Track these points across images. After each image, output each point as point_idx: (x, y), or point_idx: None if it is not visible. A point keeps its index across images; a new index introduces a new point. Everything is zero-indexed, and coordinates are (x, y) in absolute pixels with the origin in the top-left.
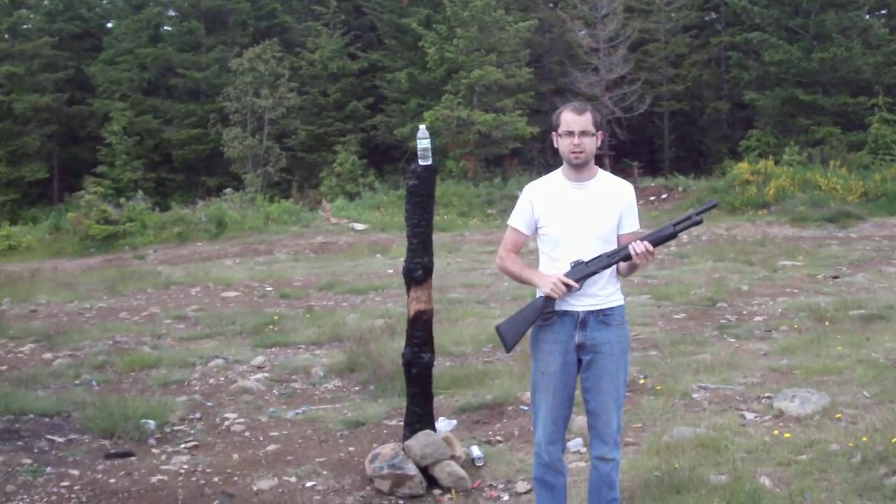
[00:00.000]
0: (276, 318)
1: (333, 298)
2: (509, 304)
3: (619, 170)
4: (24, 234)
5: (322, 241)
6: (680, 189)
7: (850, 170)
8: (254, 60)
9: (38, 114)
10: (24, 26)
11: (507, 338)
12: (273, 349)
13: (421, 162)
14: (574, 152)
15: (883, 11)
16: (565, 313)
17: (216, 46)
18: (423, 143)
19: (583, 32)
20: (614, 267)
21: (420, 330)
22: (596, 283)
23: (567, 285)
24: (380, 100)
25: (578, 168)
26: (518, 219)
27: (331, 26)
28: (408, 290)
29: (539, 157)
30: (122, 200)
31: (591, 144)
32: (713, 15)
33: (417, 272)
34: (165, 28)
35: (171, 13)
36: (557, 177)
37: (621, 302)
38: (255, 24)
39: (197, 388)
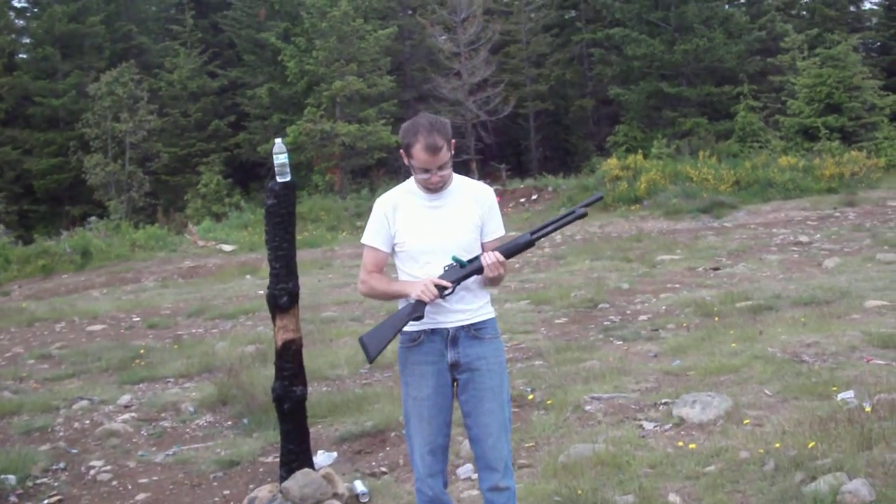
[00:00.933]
0: (142, 351)
1: (203, 325)
2: (384, 318)
3: (487, 173)
4: None
5: (190, 265)
6: (550, 189)
7: (720, 159)
8: (111, 84)
9: None
10: None
11: (371, 347)
12: (141, 385)
13: (279, 179)
14: (431, 188)
15: (739, 2)
16: (433, 331)
17: (73, 72)
18: (281, 157)
19: (443, 37)
20: (481, 278)
21: (290, 361)
22: (463, 297)
23: (440, 287)
24: (242, 117)
25: (444, 181)
26: (374, 236)
27: (188, 45)
28: (273, 318)
29: (405, 166)
30: None
31: (449, 167)
32: (573, 13)
33: (282, 299)
34: (20, 56)
35: (26, 40)
36: (410, 187)
37: (492, 315)
38: (112, 47)
39: (61, 433)
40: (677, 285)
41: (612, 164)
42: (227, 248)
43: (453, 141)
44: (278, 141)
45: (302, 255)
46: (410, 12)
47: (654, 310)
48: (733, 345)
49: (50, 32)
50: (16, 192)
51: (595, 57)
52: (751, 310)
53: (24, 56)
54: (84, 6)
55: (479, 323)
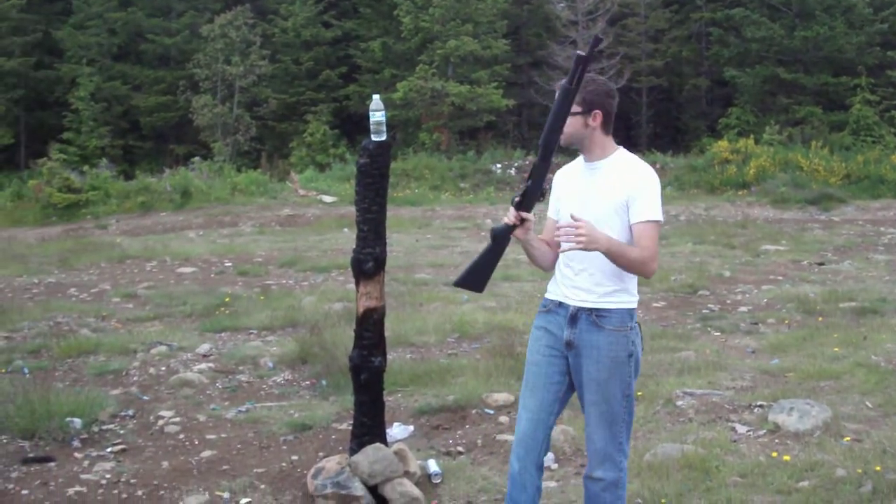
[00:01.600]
0: (227, 299)
1: (293, 276)
2: None
3: None
4: None
5: (289, 213)
6: (658, 166)
7: (832, 151)
8: (225, 27)
9: (4, 78)
10: None
11: (474, 280)
12: (222, 334)
13: (374, 137)
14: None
15: None
16: (560, 304)
17: (187, 12)
18: (377, 115)
19: (561, 5)
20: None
21: (370, 330)
22: (591, 274)
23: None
24: (353, 69)
25: (581, 149)
26: (550, 206)
27: None
28: (357, 283)
29: (514, 130)
30: (86, 168)
31: (574, 125)
32: None
33: (368, 264)
34: None
35: None
36: (579, 159)
37: (622, 304)
38: None
39: (135, 378)
40: (780, 277)
41: (722, 146)
42: (327, 199)
43: (597, 112)
44: (376, 97)
45: (402, 213)
46: None
47: (754, 301)
48: (836, 349)
49: None
50: (122, 128)
51: (713, 36)
52: (855, 311)
53: None
54: None
55: (601, 310)
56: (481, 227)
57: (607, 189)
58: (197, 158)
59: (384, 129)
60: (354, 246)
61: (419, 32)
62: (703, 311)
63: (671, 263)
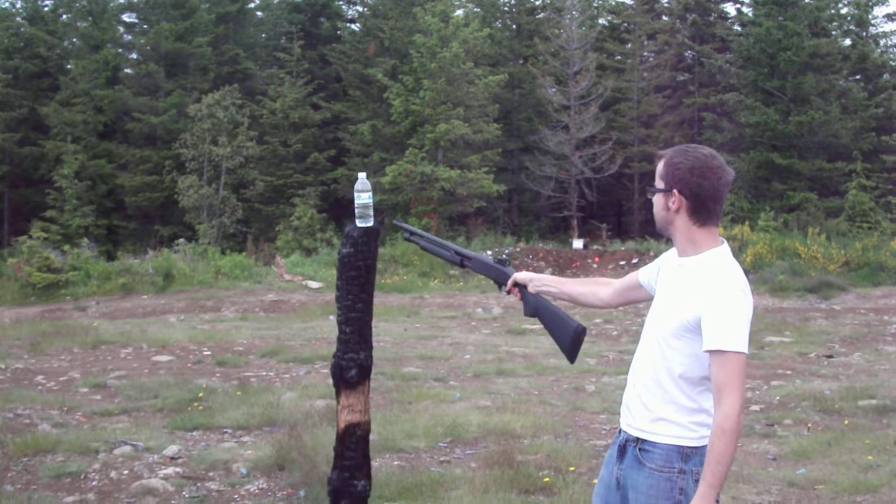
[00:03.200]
0: (200, 394)
1: (274, 368)
2: (470, 382)
3: (587, 231)
4: None
5: (273, 298)
6: (651, 253)
7: (829, 237)
8: (213, 107)
9: None
10: None
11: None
12: (194, 433)
13: (359, 223)
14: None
15: (857, 77)
16: (620, 430)
17: (174, 91)
18: (363, 197)
19: (553, 89)
20: (677, 375)
21: (353, 449)
22: (642, 390)
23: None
24: (342, 152)
25: (671, 237)
26: (647, 269)
27: (294, 74)
28: (337, 394)
29: (504, 216)
30: (66, 248)
31: (656, 205)
32: (687, 75)
33: (350, 372)
34: (124, 70)
35: (131, 55)
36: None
37: (672, 440)
38: (217, 70)
39: (94, 483)
40: (789, 372)
41: (718, 233)
42: (313, 284)
43: (677, 192)
44: (362, 176)
45: (390, 300)
46: (522, 61)
47: (766, 399)
48: (869, 457)
49: (156, 49)
50: (107, 207)
51: (706, 121)
52: (876, 410)
53: (129, 71)
54: (192, 26)
55: (646, 442)
56: (471, 317)
57: (679, 301)
58: (181, 240)
59: (371, 212)
60: (334, 351)
61: (409, 116)
62: None
63: None
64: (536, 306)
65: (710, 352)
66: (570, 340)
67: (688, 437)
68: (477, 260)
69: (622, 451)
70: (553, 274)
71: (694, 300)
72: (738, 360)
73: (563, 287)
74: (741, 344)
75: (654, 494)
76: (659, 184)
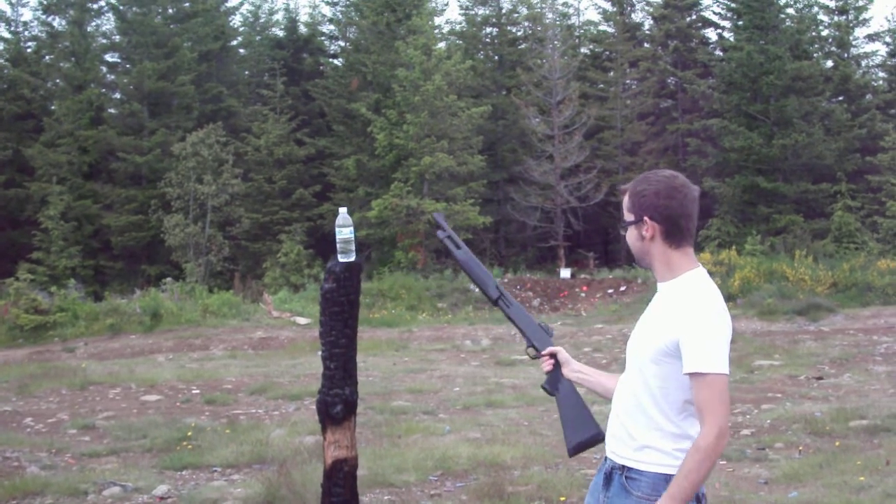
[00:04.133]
0: (189, 433)
1: (264, 405)
2: (459, 414)
3: (574, 261)
4: None
5: (262, 335)
6: (639, 280)
7: (816, 259)
8: (197, 145)
9: None
10: None
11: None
12: (183, 472)
13: (341, 258)
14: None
15: (840, 98)
16: (605, 459)
17: (158, 130)
18: (345, 232)
19: (537, 119)
20: (659, 402)
21: (340, 485)
22: (625, 418)
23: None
24: (327, 187)
25: (650, 267)
26: None
27: (277, 111)
28: (323, 430)
29: (491, 248)
30: (54, 289)
31: (630, 238)
32: (670, 101)
33: (336, 408)
34: (108, 110)
35: (115, 95)
36: None
37: (659, 468)
38: (200, 108)
39: None
40: (779, 395)
41: (705, 258)
42: (301, 320)
43: (648, 219)
44: (342, 211)
45: (378, 335)
46: (505, 92)
47: (757, 423)
48: (861, 478)
49: (139, 89)
50: (93, 247)
51: (690, 147)
52: (867, 430)
53: (112, 111)
54: (175, 65)
55: (633, 470)
56: (460, 349)
57: (657, 326)
58: (168, 279)
59: (353, 247)
60: (319, 387)
61: (393, 150)
62: None
63: None
64: (563, 390)
65: (690, 374)
66: (584, 442)
67: (674, 466)
68: (519, 309)
69: (608, 478)
70: (541, 304)
71: (671, 324)
72: (718, 382)
73: (599, 378)
74: (721, 365)
75: None
76: (628, 217)
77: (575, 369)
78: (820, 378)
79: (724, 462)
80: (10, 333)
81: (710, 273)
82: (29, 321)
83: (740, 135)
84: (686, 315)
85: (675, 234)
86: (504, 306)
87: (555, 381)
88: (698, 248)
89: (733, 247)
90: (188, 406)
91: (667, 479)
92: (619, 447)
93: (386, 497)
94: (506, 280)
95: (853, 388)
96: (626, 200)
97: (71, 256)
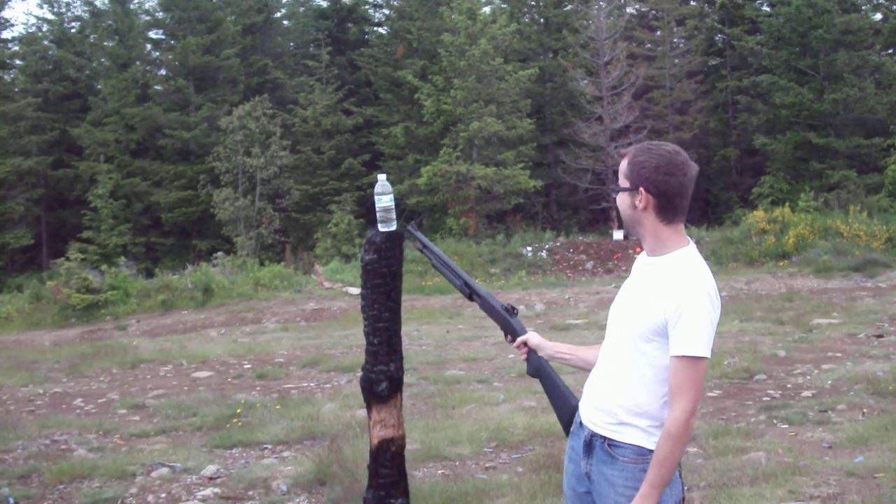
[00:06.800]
0: (238, 410)
1: (315, 378)
2: (514, 382)
3: None
4: (4, 303)
5: (314, 307)
6: (693, 240)
7: (871, 215)
8: (244, 118)
9: (22, 178)
10: (9, 87)
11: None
12: (233, 451)
13: (381, 227)
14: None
15: (890, 51)
16: (581, 425)
17: (205, 105)
18: (384, 200)
19: (585, 81)
20: (644, 379)
21: (387, 466)
22: (603, 393)
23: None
24: (376, 156)
25: (638, 237)
26: None
27: (324, 81)
28: (368, 409)
29: (543, 211)
30: (105, 268)
31: (621, 204)
32: (719, 59)
33: (381, 385)
34: (154, 87)
35: (160, 72)
36: None
37: (640, 441)
38: (246, 81)
39: None
40: (839, 354)
41: (758, 216)
42: (353, 291)
43: (643, 190)
44: (382, 177)
45: (431, 303)
46: (552, 54)
47: (818, 384)
48: None
49: (184, 64)
50: (144, 224)
51: (740, 105)
52: None
53: (158, 88)
54: (219, 39)
55: (614, 440)
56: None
57: (648, 303)
58: (220, 254)
59: (393, 216)
60: (363, 363)
61: (441, 115)
62: (764, 398)
63: (720, 346)
64: (539, 370)
65: (676, 357)
66: (569, 416)
67: (652, 442)
68: (486, 301)
69: (588, 446)
70: (594, 266)
71: (662, 304)
72: (698, 366)
73: (577, 353)
74: (707, 349)
75: (631, 486)
76: (623, 183)
77: (550, 352)
78: (880, 336)
79: (787, 426)
80: (63, 313)
81: (765, 231)
82: (81, 300)
83: (790, 90)
84: (678, 296)
85: (668, 210)
86: (475, 299)
87: (533, 365)
88: (749, 206)
89: (786, 204)
90: (239, 382)
91: (649, 450)
92: (598, 418)
93: (440, 472)
94: (558, 243)
95: None
96: (624, 166)
97: (121, 234)
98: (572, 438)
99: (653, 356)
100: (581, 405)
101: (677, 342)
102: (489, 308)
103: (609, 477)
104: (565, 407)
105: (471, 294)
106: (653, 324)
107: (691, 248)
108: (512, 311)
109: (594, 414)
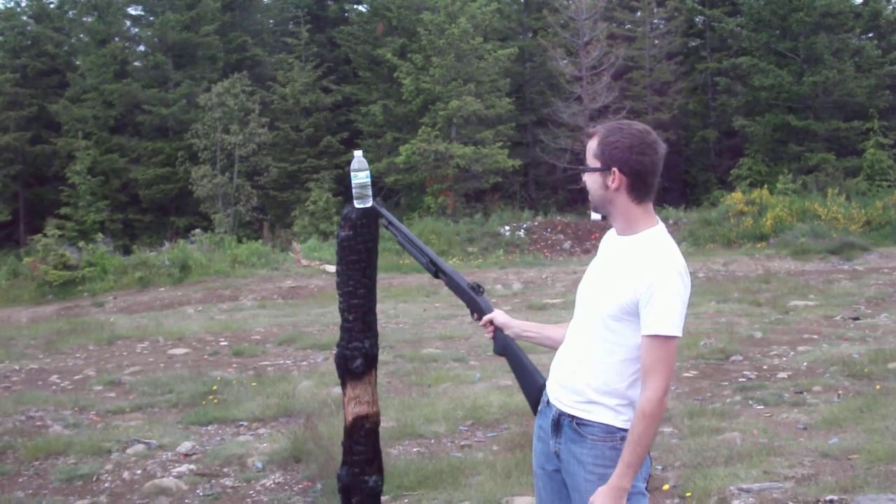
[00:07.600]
0: (214, 387)
1: (292, 356)
2: (490, 361)
3: None
4: None
5: (291, 285)
6: (671, 221)
7: (849, 198)
8: (223, 95)
9: (0, 153)
10: None
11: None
12: (209, 427)
13: (357, 204)
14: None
15: (870, 34)
16: (549, 403)
17: (184, 82)
18: (360, 176)
19: (564, 61)
20: (613, 357)
21: (362, 443)
22: (572, 371)
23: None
24: (355, 134)
25: (608, 217)
26: None
27: (303, 59)
28: (343, 385)
29: (521, 191)
30: (82, 244)
31: (591, 184)
32: (698, 41)
33: (355, 362)
34: (132, 63)
35: (139, 48)
36: None
37: (608, 420)
38: (225, 58)
39: (106, 485)
40: (815, 336)
41: (736, 197)
42: (330, 268)
43: (616, 170)
44: (358, 154)
45: (408, 281)
46: (531, 34)
47: (794, 365)
48: None
49: (163, 41)
50: (122, 201)
51: (720, 86)
52: None
53: (137, 64)
54: (198, 15)
55: (583, 419)
56: (491, 294)
57: (618, 282)
58: (197, 231)
59: (369, 192)
60: (338, 341)
61: (420, 94)
62: (740, 379)
63: (697, 326)
64: (506, 349)
65: (647, 337)
66: (536, 395)
67: (622, 420)
68: (452, 278)
69: (557, 425)
70: (572, 246)
71: (633, 283)
72: (670, 345)
73: (543, 331)
74: (678, 328)
75: (600, 464)
76: (594, 163)
77: (517, 331)
78: (856, 318)
79: (762, 407)
80: (40, 290)
81: (742, 213)
82: (58, 277)
83: (770, 73)
84: (649, 276)
85: (640, 189)
86: (441, 276)
87: (500, 344)
88: (728, 187)
89: (765, 186)
90: (215, 359)
91: (618, 428)
92: (566, 397)
93: (415, 449)
94: (536, 223)
95: (891, 328)
96: (593, 145)
97: (99, 211)
98: (540, 417)
99: (622, 335)
100: (549, 384)
101: (649, 321)
102: (455, 286)
103: (578, 455)
104: (532, 386)
105: (437, 272)
106: (623, 303)
107: (661, 227)
108: (478, 289)
109: (562, 393)
